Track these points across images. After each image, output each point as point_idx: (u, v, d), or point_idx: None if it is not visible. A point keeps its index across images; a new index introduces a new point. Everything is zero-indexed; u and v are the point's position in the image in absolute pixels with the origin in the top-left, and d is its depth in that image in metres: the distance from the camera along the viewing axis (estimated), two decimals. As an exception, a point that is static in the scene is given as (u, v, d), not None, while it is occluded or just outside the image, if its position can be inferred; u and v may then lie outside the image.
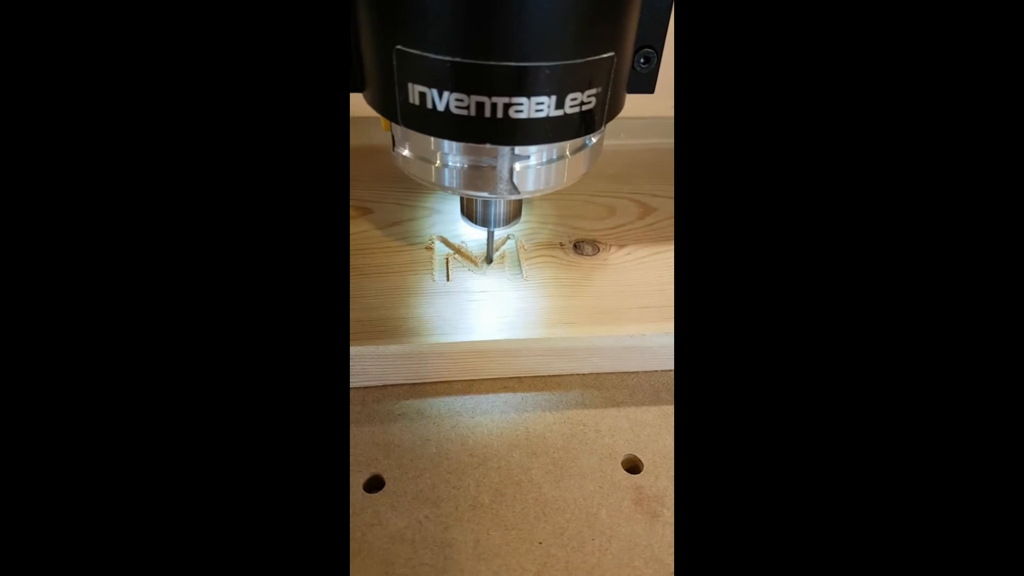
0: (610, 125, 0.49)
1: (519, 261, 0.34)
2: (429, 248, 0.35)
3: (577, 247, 0.36)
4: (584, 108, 0.24)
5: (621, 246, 0.36)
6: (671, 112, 0.48)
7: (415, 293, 0.32)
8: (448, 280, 0.33)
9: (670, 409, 0.30)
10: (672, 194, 0.41)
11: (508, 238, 0.36)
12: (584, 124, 0.24)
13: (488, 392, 0.30)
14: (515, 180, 0.26)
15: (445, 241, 0.35)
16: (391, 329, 0.30)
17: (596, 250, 0.36)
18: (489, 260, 0.34)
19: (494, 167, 0.25)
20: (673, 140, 0.46)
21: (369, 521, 0.25)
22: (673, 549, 0.24)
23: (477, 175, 0.26)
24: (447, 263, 0.34)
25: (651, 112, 0.47)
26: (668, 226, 0.38)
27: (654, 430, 0.29)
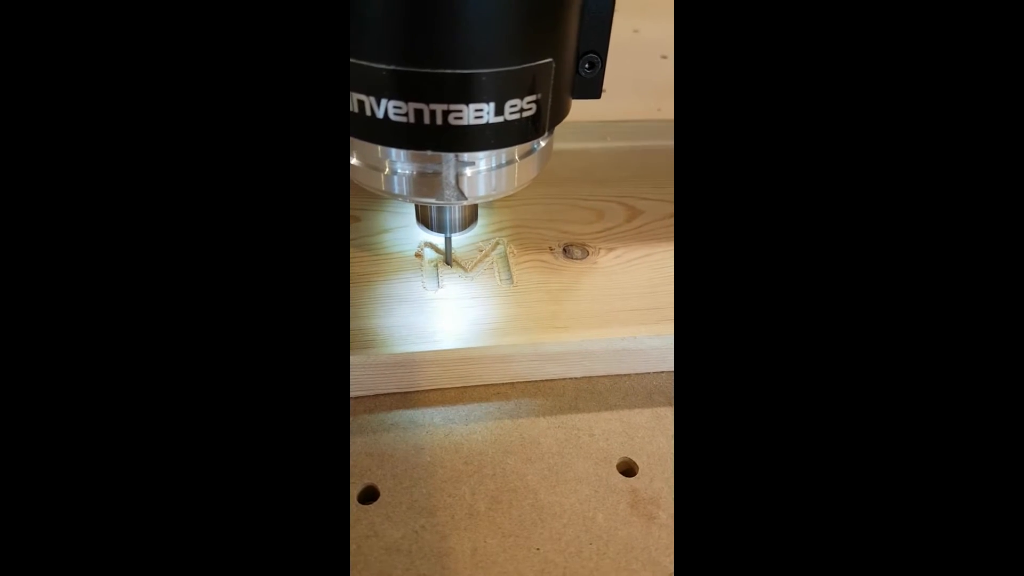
0: (596, 129, 0.49)
1: (508, 266, 0.34)
2: (418, 255, 0.35)
3: (566, 251, 0.36)
4: (525, 114, 0.24)
5: (610, 249, 0.36)
6: (657, 115, 0.48)
7: (405, 301, 0.32)
8: (438, 287, 0.33)
9: (663, 411, 0.30)
10: (659, 197, 0.41)
11: (498, 244, 0.36)
12: (527, 130, 0.24)
13: (481, 399, 0.30)
14: (463, 186, 0.26)
15: (434, 248, 0.35)
16: (382, 338, 0.29)
17: (585, 254, 0.36)
18: (448, 263, 0.34)
19: (440, 173, 0.25)
20: (659, 143, 0.46)
21: (364, 533, 0.25)
22: (670, 551, 0.24)
23: (424, 182, 0.26)
24: (436, 270, 0.34)
25: (637, 115, 0.47)
26: (656, 229, 0.38)
27: (648, 432, 0.29)
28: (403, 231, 0.37)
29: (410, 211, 0.38)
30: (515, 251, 0.36)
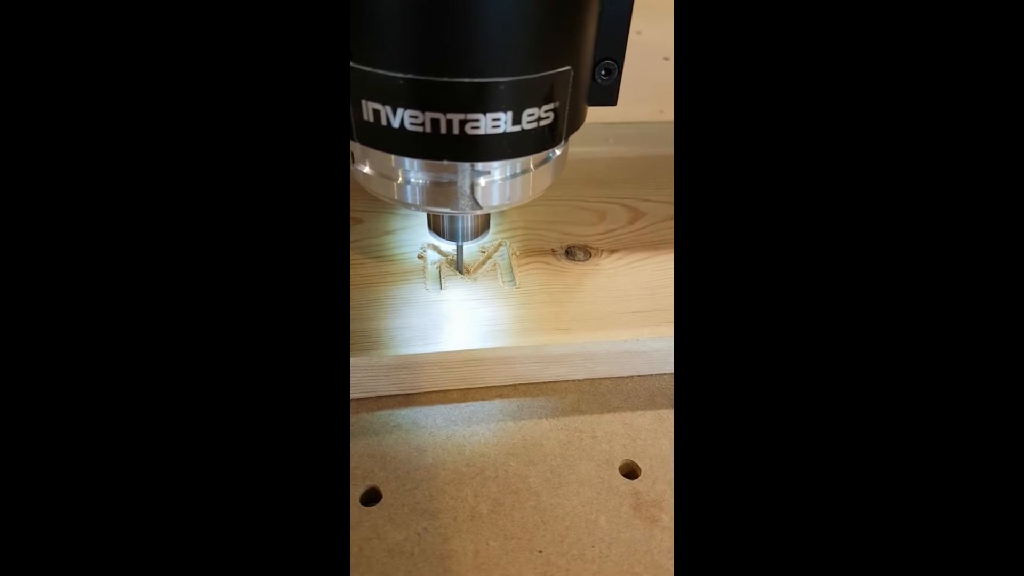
0: (599, 131, 0.49)
1: (511, 268, 0.34)
2: (421, 257, 0.35)
3: (569, 253, 0.36)
4: (542, 123, 0.23)
5: (612, 251, 0.36)
6: (659, 117, 0.48)
7: (408, 302, 0.32)
8: (441, 289, 0.33)
9: (665, 413, 0.30)
10: (661, 198, 0.41)
11: (500, 245, 0.36)
12: (543, 139, 0.24)
13: (483, 400, 0.30)
14: (478, 195, 0.25)
15: (437, 249, 0.35)
16: (384, 339, 0.29)
17: (588, 256, 0.36)
18: (460, 271, 0.34)
19: (455, 183, 0.25)
20: (661, 144, 0.46)
21: (367, 535, 0.25)
22: (673, 554, 0.24)
23: (438, 191, 0.25)
24: (439, 272, 0.34)
25: (639, 117, 0.47)
26: (658, 230, 0.38)
27: (650, 434, 0.29)
28: (406, 233, 0.37)
29: (413, 213, 0.38)
30: (517, 253, 0.36)
